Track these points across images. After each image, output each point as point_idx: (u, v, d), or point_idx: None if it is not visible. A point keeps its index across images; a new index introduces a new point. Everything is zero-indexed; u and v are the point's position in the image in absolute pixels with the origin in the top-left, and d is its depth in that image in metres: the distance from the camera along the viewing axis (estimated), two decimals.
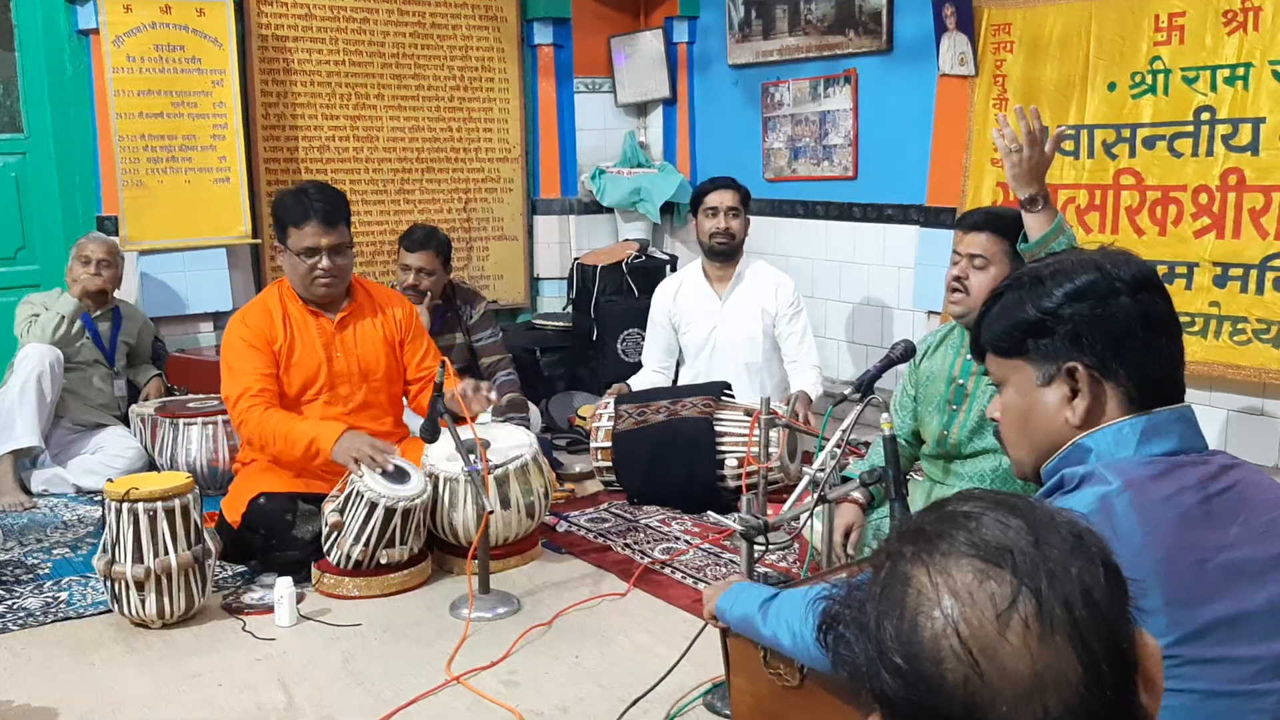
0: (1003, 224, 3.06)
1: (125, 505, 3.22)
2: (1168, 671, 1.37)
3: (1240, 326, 4.11)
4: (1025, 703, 0.82)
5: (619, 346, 5.96)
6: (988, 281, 3.04)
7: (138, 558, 3.21)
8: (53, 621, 3.37)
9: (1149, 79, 4.30)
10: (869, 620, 0.88)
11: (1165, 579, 1.38)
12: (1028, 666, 0.83)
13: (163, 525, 3.24)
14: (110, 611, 3.35)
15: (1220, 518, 1.45)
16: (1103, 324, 1.52)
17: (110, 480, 3.45)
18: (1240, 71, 4.04)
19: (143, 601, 3.24)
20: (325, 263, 3.75)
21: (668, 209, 6.65)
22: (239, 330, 3.77)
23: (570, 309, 6.43)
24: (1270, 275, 4.01)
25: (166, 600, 3.25)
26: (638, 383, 4.99)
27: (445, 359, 3.65)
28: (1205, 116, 4.15)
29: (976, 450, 3.13)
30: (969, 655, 0.83)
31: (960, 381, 3.14)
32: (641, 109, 6.99)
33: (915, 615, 0.85)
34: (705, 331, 4.91)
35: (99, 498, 4.12)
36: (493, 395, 3.71)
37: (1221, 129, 4.11)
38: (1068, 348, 1.55)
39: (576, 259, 6.47)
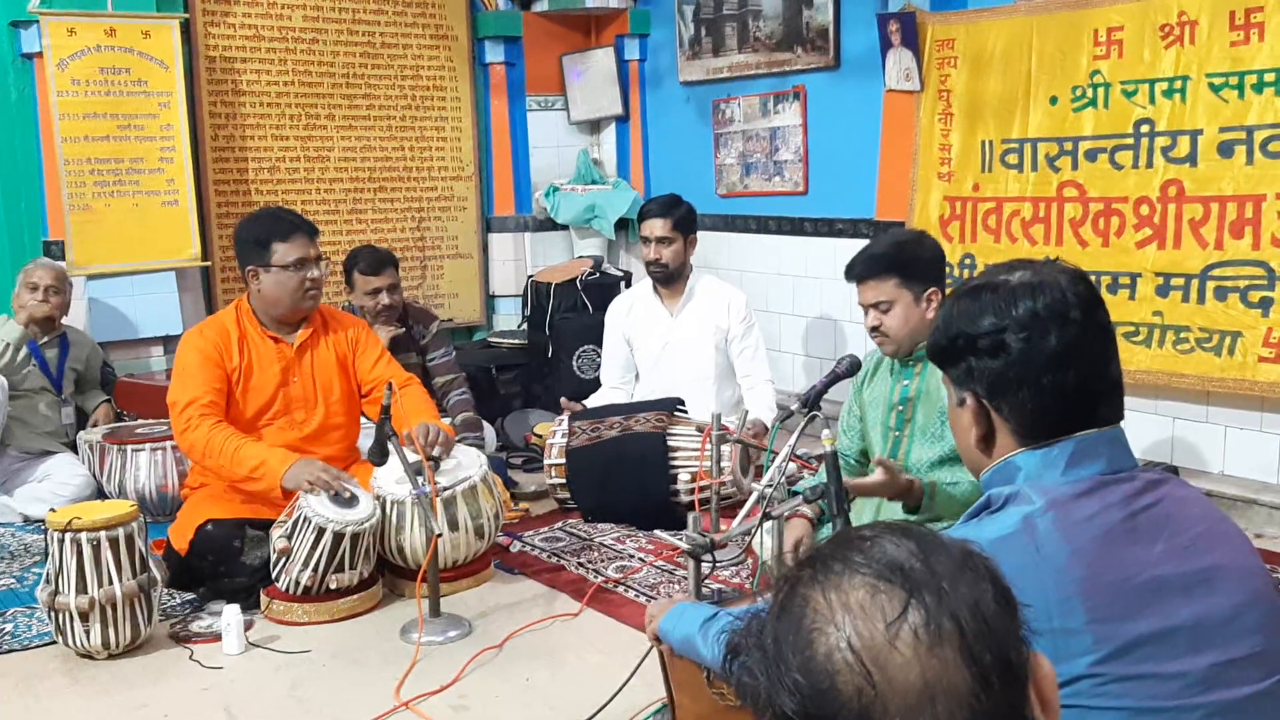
0: (881, 265, 3.04)
1: (68, 535, 3.18)
2: (1095, 689, 1.39)
3: (1183, 335, 4.17)
4: (916, 713, 0.84)
5: (574, 363, 5.95)
6: (900, 318, 3.05)
7: (81, 588, 3.17)
8: None
9: (1089, 92, 4.36)
10: (768, 642, 0.90)
11: (1089, 597, 1.39)
12: (918, 676, 0.84)
13: (106, 555, 3.19)
14: (55, 643, 3.30)
15: (1145, 534, 1.46)
16: (989, 366, 1.55)
17: (53, 510, 3.40)
18: (1178, 84, 4.11)
19: (87, 633, 3.19)
20: (315, 273, 3.77)
21: (622, 225, 6.67)
22: (195, 341, 3.73)
23: (525, 326, 6.42)
24: (1211, 285, 4.07)
25: (111, 631, 3.21)
26: (597, 401, 4.97)
27: (392, 382, 3.63)
28: (1145, 129, 4.22)
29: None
30: (861, 666, 0.85)
31: (900, 408, 3.15)
32: (594, 126, 7.01)
33: (810, 632, 0.88)
34: (657, 347, 4.91)
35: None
36: (440, 449, 3.67)
37: (1161, 141, 4.17)
38: (965, 377, 1.59)
39: (531, 276, 6.46)
